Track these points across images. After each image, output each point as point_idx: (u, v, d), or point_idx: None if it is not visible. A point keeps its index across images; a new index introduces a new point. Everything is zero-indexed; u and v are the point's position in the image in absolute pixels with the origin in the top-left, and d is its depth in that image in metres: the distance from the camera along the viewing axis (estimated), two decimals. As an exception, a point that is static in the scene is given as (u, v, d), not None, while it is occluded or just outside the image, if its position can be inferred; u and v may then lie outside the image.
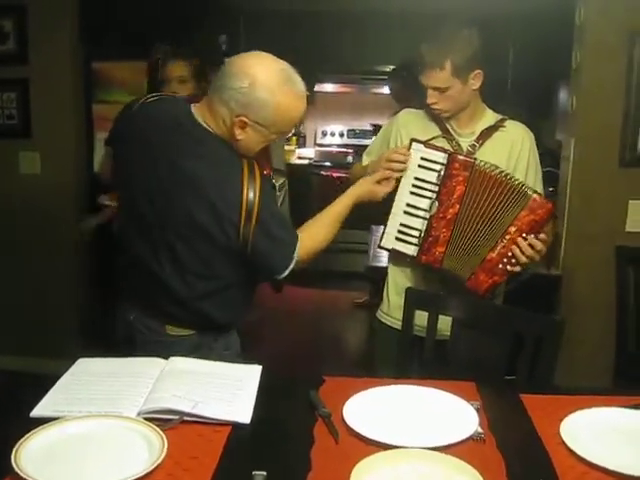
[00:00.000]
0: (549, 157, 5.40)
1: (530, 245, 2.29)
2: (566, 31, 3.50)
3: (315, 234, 2.27)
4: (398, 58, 5.91)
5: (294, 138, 7.48)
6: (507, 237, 2.31)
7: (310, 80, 6.97)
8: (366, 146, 2.86)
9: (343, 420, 1.67)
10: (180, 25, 4.91)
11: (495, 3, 5.97)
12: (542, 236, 2.30)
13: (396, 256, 2.54)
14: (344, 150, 7.27)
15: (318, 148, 7.46)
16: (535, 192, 2.31)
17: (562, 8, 3.63)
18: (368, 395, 1.80)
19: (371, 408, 1.74)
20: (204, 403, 1.72)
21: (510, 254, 2.31)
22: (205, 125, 2.11)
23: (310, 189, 6.87)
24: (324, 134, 7.51)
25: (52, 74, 4.19)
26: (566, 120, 3.63)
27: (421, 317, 2.40)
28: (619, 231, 3.34)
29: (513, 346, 2.27)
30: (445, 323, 2.37)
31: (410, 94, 5.38)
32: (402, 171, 2.41)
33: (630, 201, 3.32)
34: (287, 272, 2.15)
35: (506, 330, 2.27)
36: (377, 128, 5.84)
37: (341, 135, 7.43)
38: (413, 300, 2.39)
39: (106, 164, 3.14)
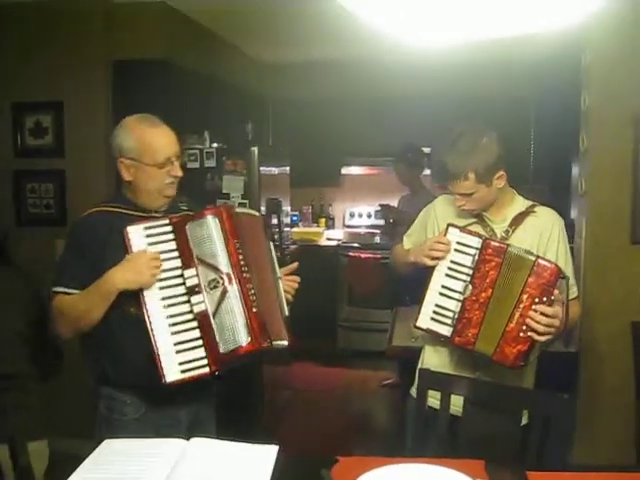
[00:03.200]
0: (572, 233, 5.45)
1: (542, 313, 2.35)
2: (578, 113, 3.62)
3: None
4: (424, 139, 6.13)
5: (323, 220, 7.65)
6: (521, 305, 2.37)
7: (337, 164, 7.21)
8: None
9: (351, 498, 1.75)
10: (209, 117, 5.14)
11: (514, 87, 6.20)
12: (556, 294, 2.35)
13: (430, 336, 2.61)
14: (372, 231, 7.40)
15: (346, 229, 7.59)
16: (538, 257, 2.39)
17: (574, 88, 3.75)
18: (377, 474, 1.86)
19: (379, 486, 1.81)
20: (220, 482, 1.80)
21: (528, 322, 2.36)
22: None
23: (338, 270, 6.99)
24: (352, 215, 7.65)
25: (87, 165, 4.42)
26: (577, 200, 3.72)
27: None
28: (633, 307, 3.38)
29: (524, 424, 2.32)
30: (460, 399, 2.44)
31: (414, 175, 5.55)
32: (443, 258, 2.51)
33: (644, 277, 3.38)
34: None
35: (516, 409, 2.33)
36: (383, 207, 5.96)
37: (369, 216, 7.56)
38: (425, 380, 2.47)
39: None
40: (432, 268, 2.53)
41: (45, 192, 4.52)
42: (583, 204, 3.50)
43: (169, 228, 2.33)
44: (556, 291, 2.37)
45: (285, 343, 2.47)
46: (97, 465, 1.93)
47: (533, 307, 2.36)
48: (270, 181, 5.05)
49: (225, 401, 3.20)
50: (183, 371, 2.27)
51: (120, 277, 2.28)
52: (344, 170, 7.36)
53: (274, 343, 2.41)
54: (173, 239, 2.33)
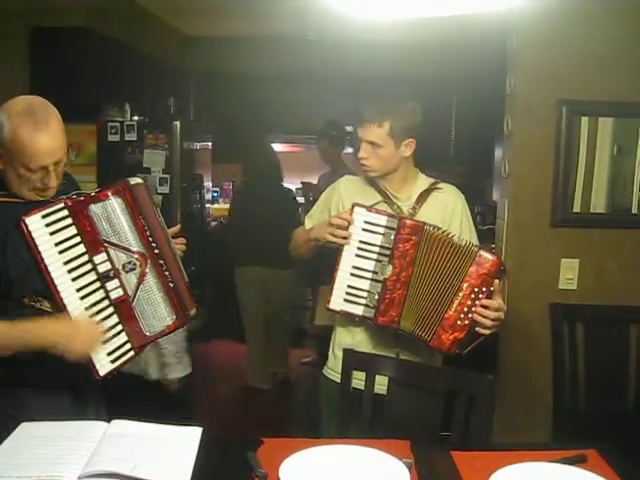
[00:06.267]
0: (491, 215, 5.57)
1: (489, 307, 2.37)
2: (501, 97, 3.67)
3: None
4: (346, 118, 6.13)
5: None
6: (460, 294, 2.38)
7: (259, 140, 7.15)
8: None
9: (279, 480, 1.73)
10: (130, 89, 5.01)
11: (437, 69, 6.26)
12: (496, 284, 2.38)
13: (344, 316, 2.59)
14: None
15: (268, 206, 7.53)
16: (480, 247, 2.41)
17: (498, 72, 3.80)
18: (304, 455, 1.86)
19: (306, 468, 1.80)
20: (144, 465, 1.75)
21: (466, 310, 2.38)
22: None
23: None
24: (274, 192, 7.60)
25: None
26: (500, 182, 3.77)
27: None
28: (552, 289, 3.46)
29: (448, 404, 2.35)
30: (385, 378, 2.45)
31: (336, 153, 5.59)
32: (346, 238, 2.47)
33: (562, 259, 3.46)
34: None
35: (439, 389, 2.35)
36: (305, 185, 6.00)
37: (290, 193, 7.53)
38: (350, 361, 2.47)
39: None
40: (341, 249, 2.51)
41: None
42: (505, 186, 3.56)
43: (66, 212, 2.15)
44: (496, 282, 2.39)
45: (194, 311, 2.45)
46: (16, 449, 1.87)
47: (481, 302, 2.37)
48: (192, 156, 4.98)
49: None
50: (113, 361, 2.20)
51: (64, 344, 2.07)
52: (268, 147, 7.29)
53: (190, 314, 2.41)
54: (72, 223, 2.16)
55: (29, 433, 1.97)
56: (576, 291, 3.48)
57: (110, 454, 1.80)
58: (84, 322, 2.14)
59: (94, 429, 1.97)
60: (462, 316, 2.40)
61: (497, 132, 4.14)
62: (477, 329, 2.39)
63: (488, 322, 2.38)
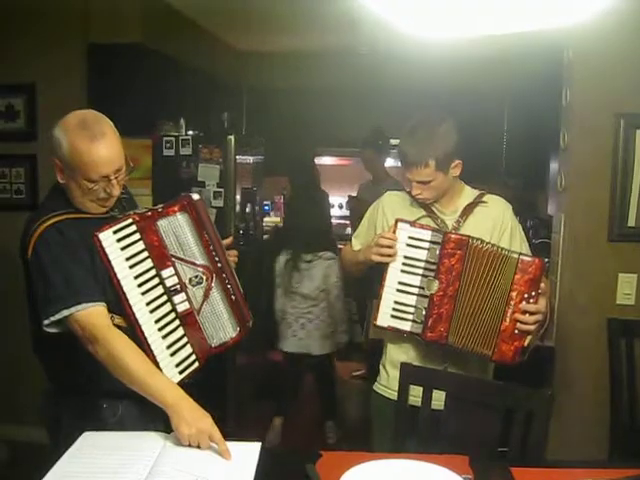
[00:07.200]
0: (544, 228, 5.50)
1: (527, 312, 2.38)
2: (556, 108, 3.64)
3: (123, 351, 2.08)
4: (395, 132, 6.12)
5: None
6: (512, 303, 2.39)
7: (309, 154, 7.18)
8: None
9: (339, 494, 1.74)
10: (184, 104, 5.09)
11: (490, 80, 6.23)
12: (543, 287, 2.39)
13: (392, 332, 2.59)
14: (342, 222, 7.38)
15: (318, 220, 7.55)
16: (520, 254, 2.41)
17: (553, 84, 3.77)
18: (363, 469, 1.86)
19: (366, 482, 1.80)
20: (204, 478, 1.78)
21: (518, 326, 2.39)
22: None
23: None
24: (323, 206, 7.62)
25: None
26: (556, 196, 3.73)
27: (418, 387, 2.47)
28: (610, 304, 3.41)
29: (505, 419, 2.33)
30: (441, 393, 2.44)
31: (381, 162, 5.56)
32: (392, 255, 2.49)
33: (620, 274, 3.41)
34: (47, 322, 2.08)
35: (498, 404, 2.33)
36: (351, 199, 6.01)
37: (340, 207, 7.54)
38: (408, 375, 2.46)
39: None
40: (386, 265, 2.51)
41: (16, 177, 4.45)
42: (562, 200, 3.52)
43: (134, 227, 2.21)
44: (542, 285, 2.40)
45: (251, 323, 2.48)
46: (78, 458, 1.91)
47: (520, 306, 2.38)
48: (244, 170, 5.02)
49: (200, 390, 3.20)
50: (181, 372, 2.23)
51: (178, 421, 1.97)
52: (316, 160, 7.31)
53: (249, 325, 2.45)
54: (140, 238, 2.21)
55: (91, 443, 2.00)
56: (634, 306, 3.42)
57: (171, 465, 1.83)
58: (209, 424, 1.99)
59: (155, 440, 2.00)
60: (519, 324, 2.40)
61: (551, 145, 4.11)
62: (525, 328, 2.40)
63: (530, 327, 2.39)
